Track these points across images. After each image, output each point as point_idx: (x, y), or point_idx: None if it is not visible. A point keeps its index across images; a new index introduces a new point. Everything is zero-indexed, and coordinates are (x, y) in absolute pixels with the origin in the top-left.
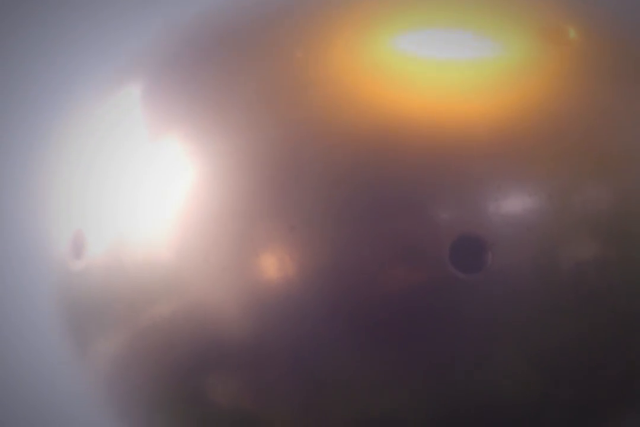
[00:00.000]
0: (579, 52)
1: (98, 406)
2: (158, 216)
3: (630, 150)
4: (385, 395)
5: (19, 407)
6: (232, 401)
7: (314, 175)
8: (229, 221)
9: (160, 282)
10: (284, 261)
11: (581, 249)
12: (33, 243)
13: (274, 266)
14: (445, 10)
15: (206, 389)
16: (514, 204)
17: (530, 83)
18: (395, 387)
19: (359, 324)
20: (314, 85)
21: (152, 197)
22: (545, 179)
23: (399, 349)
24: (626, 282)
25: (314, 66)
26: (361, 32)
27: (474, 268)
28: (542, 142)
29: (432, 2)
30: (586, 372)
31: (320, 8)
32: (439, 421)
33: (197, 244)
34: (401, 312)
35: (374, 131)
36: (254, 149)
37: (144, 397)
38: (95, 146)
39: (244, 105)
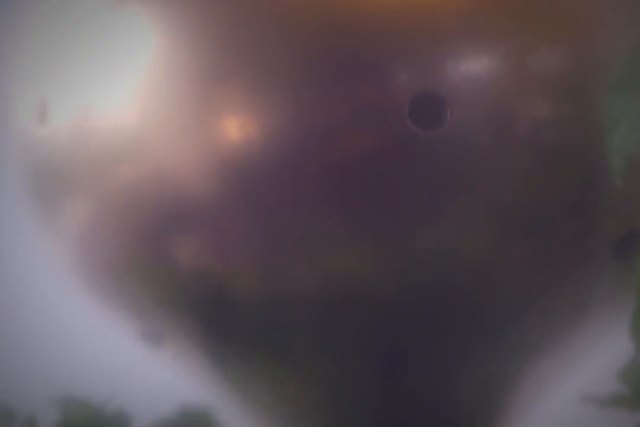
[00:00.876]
0: None
1: (66, 272)
2: (122, 80)
3: (584, 13)
4: (346, 253)
5: None
6: (195, 261)
7: (276, 37)
8: (193, 83)
9: (125, 145)
10: (246, 122)
11: (536, 107)
12: None
13: (236, 127)
14: None
15: (171, 250)
16: (472, 63)
17: None
18: (357, 244)
19: (321, 183)
20: None
21: (116, 61)
22: (503, 39)
23: (360, 206)
24: (580, 138)
25: None
26: None
27: (434, 125)
28: (500, 5)
29: None
30: (541, 226)
31: None
32: (399, 277)
33: (161, 107)
34: (362, 170)
35: None
36: (216, 11)
37: (111, 260)
38: (59, 14)
39: None
